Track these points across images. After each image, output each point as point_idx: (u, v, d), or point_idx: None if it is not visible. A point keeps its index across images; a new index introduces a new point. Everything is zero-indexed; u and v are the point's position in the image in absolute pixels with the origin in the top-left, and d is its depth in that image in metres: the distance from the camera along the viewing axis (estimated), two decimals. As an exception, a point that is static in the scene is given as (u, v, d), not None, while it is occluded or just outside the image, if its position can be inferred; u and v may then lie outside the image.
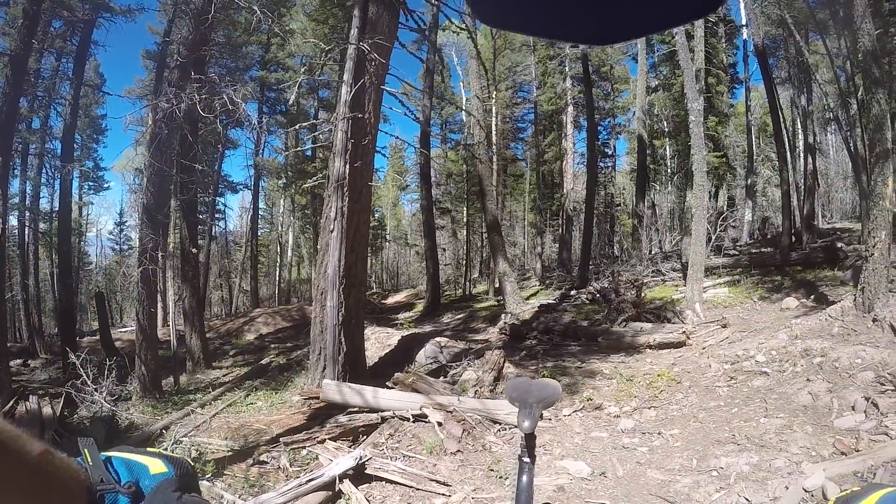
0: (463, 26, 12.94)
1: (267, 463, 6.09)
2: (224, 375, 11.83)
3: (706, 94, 20.04)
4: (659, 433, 6.17)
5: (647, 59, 25.98)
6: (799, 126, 28.18)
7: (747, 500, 4.40)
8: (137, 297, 9.69)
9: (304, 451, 6.21)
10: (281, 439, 6.38)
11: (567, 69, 31.02)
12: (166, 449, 6.11)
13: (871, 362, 6.65)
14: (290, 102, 25.65)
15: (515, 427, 5.97)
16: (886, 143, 8.43)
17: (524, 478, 1.72)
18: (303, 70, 17.55)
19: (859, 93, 11.56)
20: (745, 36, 26.89)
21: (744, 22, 25.30)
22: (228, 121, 15.45)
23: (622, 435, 6.30)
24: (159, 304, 14.03)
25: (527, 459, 1.74)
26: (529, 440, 1.75)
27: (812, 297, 11.99)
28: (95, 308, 21.19)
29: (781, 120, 21.04)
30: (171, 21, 14.88)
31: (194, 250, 12.81)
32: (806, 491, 4.28)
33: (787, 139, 23.01)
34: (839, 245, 16.10)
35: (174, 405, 9.10)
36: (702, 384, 7.69)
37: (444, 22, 15.74)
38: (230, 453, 6.37)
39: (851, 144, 17.64)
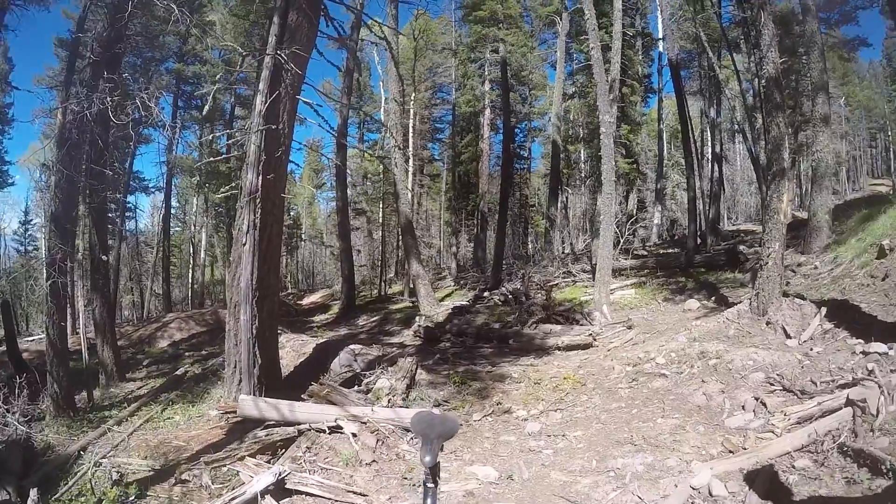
0: (382, 35, 13.01)
1: (189, 482, 6.00)
2: (139, 388, 11.42)
3: (620, 103, 20.81)
4: (563, 435, 6.42)
5: (566, 67, 26.73)
6: (708, 135, 29.73)
7: (640, 498, 4.64)
8: (47, 312, 9.18)
9: (225, 468, 6.16)
10: (202, 458, 6.29)
11: (486, 73, 31.54)
12: (87, 472, 5.94)
13: (762, 364, 7.03)
14: (205, 112, 24.67)
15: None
16: (783, 163, 9.14)
17: (428, 501, 1.94)
18: (218, 77, 17.00)
19: (765, 108, 12.56)
20: (661, 49, 27.87)
21: (661, 35, 26.26)
22: (142, 124, 14.80)
23: (529, 438, 6.53)
24: (68, 311, 13.33)
25: (431, 485, 1.95)
26: (432, 469, 1.95)
27: (713, 298, 12.64)
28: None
29: (690, 129, 22.01)
30: (87, 8, 14.05)
31: (104, 257, 12.24)
32: (693, 489, 4.52)
33: (695, 148, 24.12)
34: (741, 248, 17.00)
35: (90, 423, 8.70)
36: (605, 386, 8.01)
37: (367, 22, 15.62)
38: (151, 473, 6.24)
39: (756, 154, 18.79)
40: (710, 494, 4.42)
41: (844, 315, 7.75)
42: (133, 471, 6.35)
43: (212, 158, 20.45)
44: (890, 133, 40.60)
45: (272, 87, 7.95)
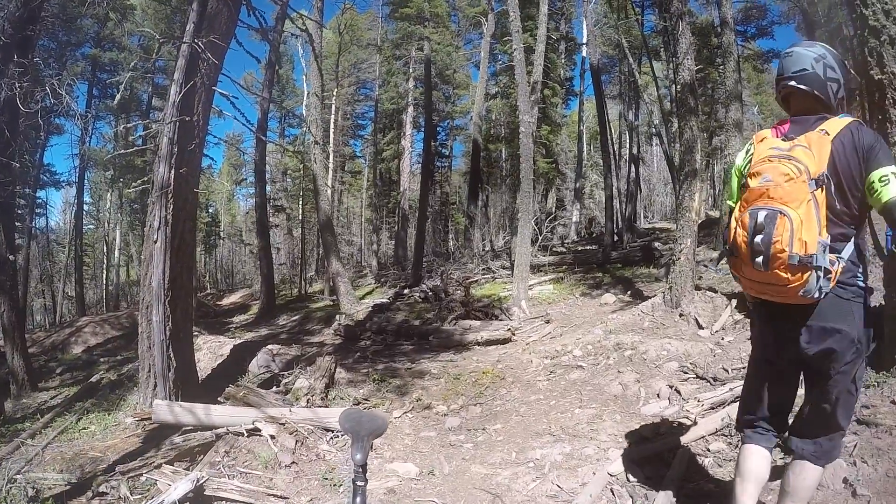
0: (304, 27, 12.75)
1: (107, 494, 5.70)
2: (53, 398, 10.73)
3: (541, 105, 21.29)
4: (483, 429, 6.42)
5: (490, 67, 26.94)
6: (626, 137, 30.86)
7: (559, 487, 4.66)
8: (-50, 320, 8.55)
9: (143, 478, 5.91)
10: (117, 468, 6.01)
11: (411, 70, 31.65)
12: (1, 490, 5.58)
13: (675, 354, 7.25)
14: (117, 100, 23.41)
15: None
16: (695, 164, 9.56)
17: (358, 499, 1.94)
18: (132, 64, 16.21)
19: (679, 112, 13.28)
20: (584, 53, 28.51)
21: (584, 41, 26.88)
22: (52, 113, 13.88)
23: (449, 433, 6.50)
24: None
25: (360, 483, 1.95)
26: (363, 467, 1.96)
27: (629, 292, 12.90)
28: None
29: (609, 132, 22.67)
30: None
31: (12, 257, 11.44)
32: (611, 475, 4.56)
33: (613, 149, 24.95)
34: (655, 245, 17.54)
35: (2, 438, 8.13)
36: (524, 379, 8.09)
37: (292, 14, 15.32)
38: (68, 487, 5.88)
39: (671, 156, 19.58)
40: (628, 480, 4.48)
41: (753, 306, 8.22)
42: (49, 486, 6.00)
43: (126, 150, 19.50)
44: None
45: (188, 76, 7.65)
